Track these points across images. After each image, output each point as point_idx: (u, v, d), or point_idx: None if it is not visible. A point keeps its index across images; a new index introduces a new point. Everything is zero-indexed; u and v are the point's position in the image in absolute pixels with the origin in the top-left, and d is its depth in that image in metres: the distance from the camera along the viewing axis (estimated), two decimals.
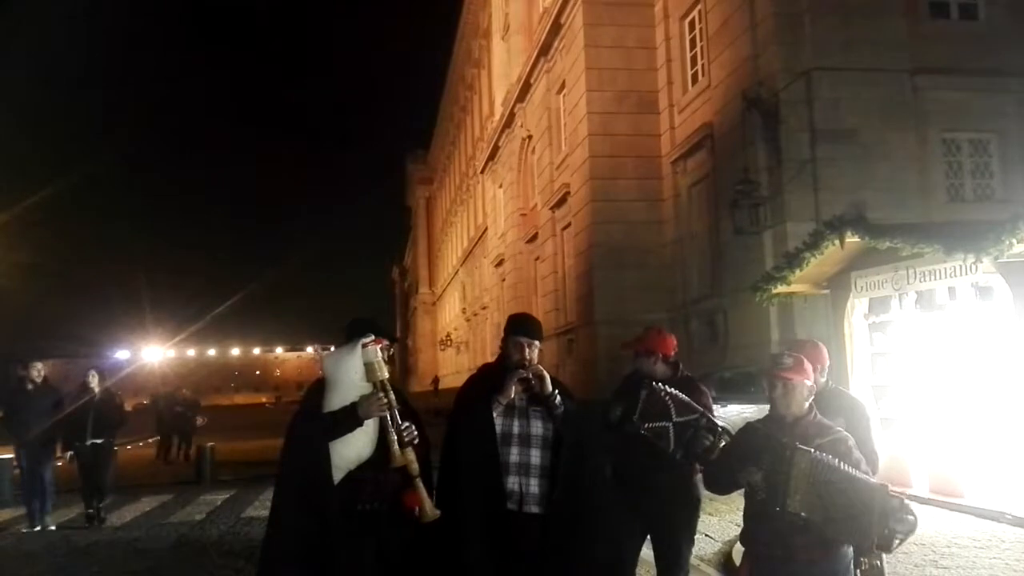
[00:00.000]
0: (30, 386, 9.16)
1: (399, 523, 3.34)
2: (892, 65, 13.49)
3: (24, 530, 8.85)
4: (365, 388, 3.32)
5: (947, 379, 7.66)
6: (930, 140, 13.88)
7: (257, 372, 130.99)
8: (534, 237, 25.37)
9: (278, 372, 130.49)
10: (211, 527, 8.88)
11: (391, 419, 3.29)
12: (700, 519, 4.44)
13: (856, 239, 7.87)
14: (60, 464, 9.54)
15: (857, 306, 8.63)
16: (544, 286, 23.71)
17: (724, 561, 6.11)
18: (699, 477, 3.90)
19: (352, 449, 3.30)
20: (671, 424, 3.69)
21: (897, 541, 2.81)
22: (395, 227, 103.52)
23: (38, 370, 9.28)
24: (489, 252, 34.85)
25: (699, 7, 16.90)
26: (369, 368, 3.32)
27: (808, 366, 3.16)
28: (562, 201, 21.28)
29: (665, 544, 4.16)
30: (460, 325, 49.68)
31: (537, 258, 25.13)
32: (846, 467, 2.87)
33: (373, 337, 3.38)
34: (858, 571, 3.16)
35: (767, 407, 3.20)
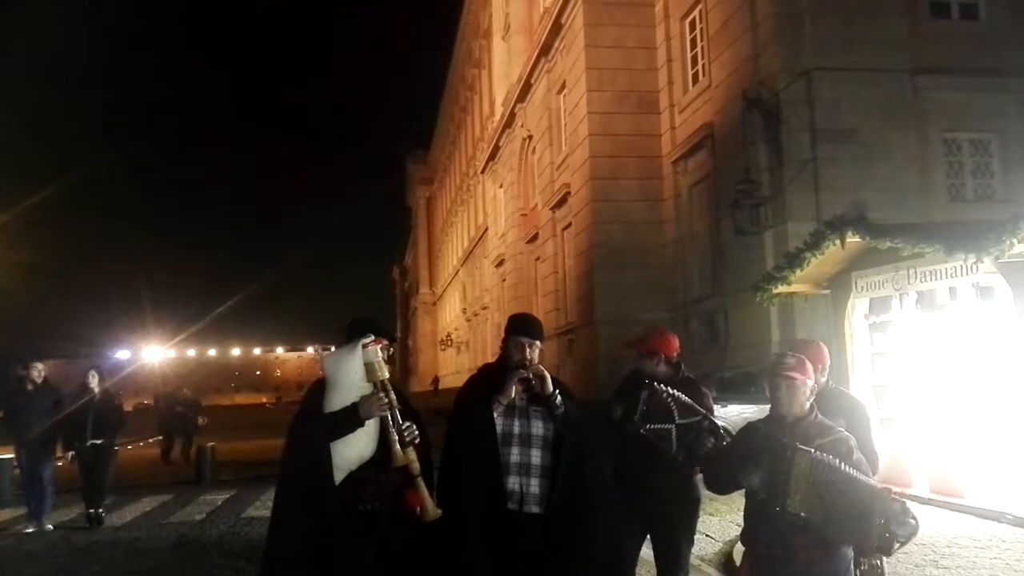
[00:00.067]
0: (30, 386, 9.17)
1: (400, 523, 3.34)
2: (893, 65, 13.49)
3: (25, 530, 8.84)
4: (366, 388, 3.32)
5: (948, 379, 7.66)
6: (931, 140, 13.88)
7: (257, 372, 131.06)
8: (534, 237, 25.37)
9: (278, 372, 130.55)
10: (211, 527, 8.88)
11: (392, 419, 3.30)
12: (700, 519, 4.44)
13: (857, 239, 7.87)
14: (60, 464, 9.54)
15: (858, 306, 8.63)
16: (544, 286, 23.71)
17: (724, 561, 6.11)
18: (699, 477, 3.90)
19: (353, 449, 3.30)
20: (674, 426, 3.69)
21: (898, 545, 2.81)
22: (395, 227, 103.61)
23: (38, 371, 9.28)
24: (489, 252, 34.86)
25: (700, 7, 16.90)
26: (369, 368, 3.32)
27: (809, 366, 3.16)
28: (563, 201, 21.28)
29: (665, 544, 4.16)
30: (460, 325, 49.69)
31: (537, 258, 25.13)
32: (847, 468, 2.87)
33: (373, 337, 3.38)
34: (858, 571, 3.16)
35: (768, 407, 3.20)
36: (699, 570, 5.85)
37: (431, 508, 3.27)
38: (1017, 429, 6.94)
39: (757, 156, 13.77)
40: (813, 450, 2.91)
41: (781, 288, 9.17)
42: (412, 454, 3.28)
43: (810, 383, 3.12)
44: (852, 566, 3.11)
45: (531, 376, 3.49)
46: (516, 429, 3.51)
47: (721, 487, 3.33)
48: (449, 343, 52.35)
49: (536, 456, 3.50)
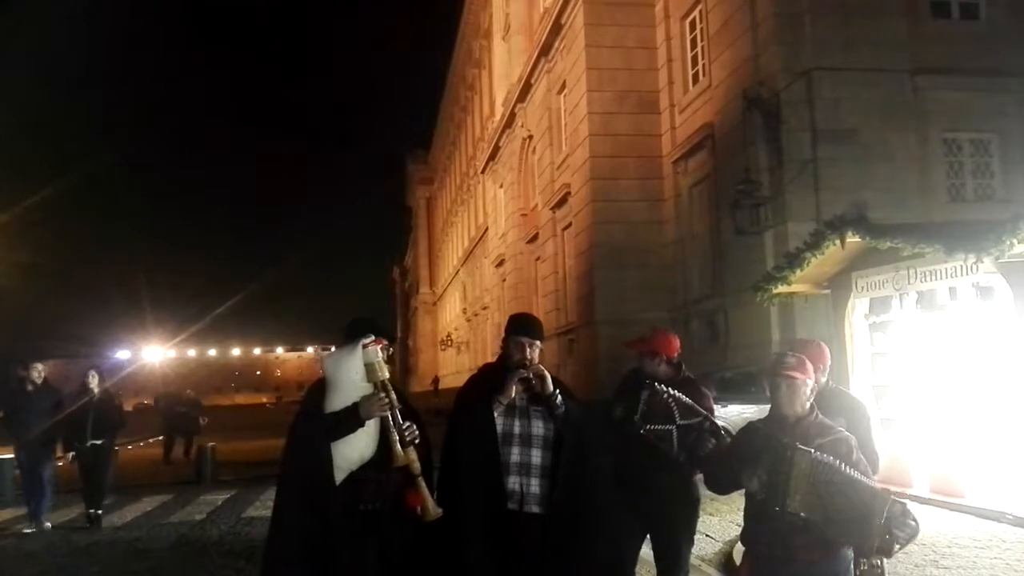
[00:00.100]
0: (30, 387, 9.17)
1: (401, 523, 3.34)
2: (893, 65, 13.50)
3: (25, 530, 8.85)
4: (366, 388, 3.32)
5: (948, 379, 7.66)
6: (931, 140, 13.89)
7: (258, 372, 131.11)
8: (535, 237, 25.37)
9: (279, 372, 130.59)
10: (211, 527, 8.88)
11: (392, 419, 3.30)
12: (700, 519, 4.44)
13: (857, 239, 7.87)
14: (60, 464, 9.55)
15: (858, 306, 8.63)
16: (545, 286, 23.71)
17: (725, 561, 6.12)
18: (699, 477, 3.90)
19: (354, 449, 3.30)
20: (674, 427, 3.69)
21: (898, 546, 2.81)
22: (395, 227, 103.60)
23: (39, 371, 9.28)
24: (490, 252, 34.87)
25: (700, 7, 16.90)
26: (370, 368, 3.32)
27: (810, 365, 3.16)
28: (563, 201, 21.28)
29: (665, 544, 4.16)
30: (461, 325, 49.69)
31: (538, 258, 25.14)
32: (847, 468, 2.86)
33: (373, 337, 3.38)
34: (858, 572, 3.15)
35: (768, 407, 3.20)
36: (699, 570, 5.86)
37: (432, 508, 3.27)
38: (1017, 429, 6.94)
39: (757, 156, 13.77)
40: (813, 450, 2.91)
41: (781, 288, 9.18)
42: (413, 454, 3.29)
43: (810, 383, 3.12)
44: (852, 566, 3.11)
45: (531, 376, 3.49)
46: (516, 429, 3.51)
47: (721, 487, 3.32)
48: (449, 343, 52.35)
49: (536, 456, 3.50)
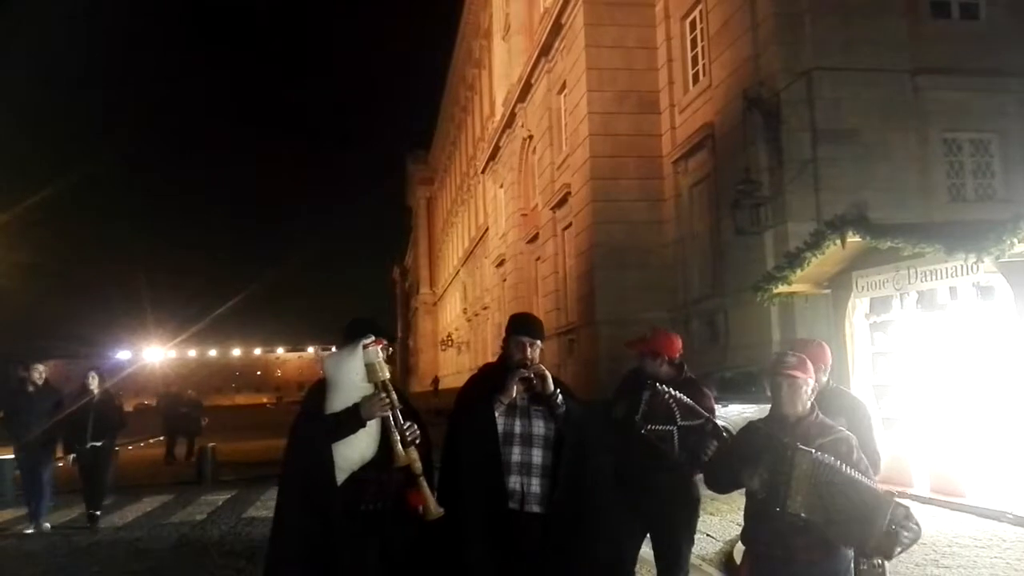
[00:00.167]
0: (31, 388, 9.16)
1: (402, 523, 3.35)
2: (893, 65, 13.50)
3: (25, 531, 8.85)
4: (367, 389, 3.32)
5: (948, 379, 7.66)
6: (931, 140, 13.88)
7: (258, 372, 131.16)
8: (535, 237, 25.37)
9: (279, 372, 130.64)
10: (212, 527, 8.88)
11: (393, 419, 3.30)
12: (701, 519, 4.44)
13: (857, 239, 7.88)
14: (61, 465, 9.55)
15: (858, 306, 8.63)
16: (545, 286, 23.72)
17: (725, 560, 6.12)
18: (699, 477, 3.90)
19: (355, 450, 3.30)
20: (675, 428, 3.68)
21: (899, 549, 2.81)
22: (395, 227, 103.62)
23: (39, 372, 9.27)
24: (490, 252, 34.87)
25: (700, 7, 16.90)
26: (370, 369, 3.32)
27: (810, 365, 3.16)
28: (563, 201, 21.28)
29: (665, 544, 4.16)
30: (461, 325, 49.69)
31: (538, 258, 25.14)
32: (848, 469, 2.86)
33: (373, 338, 3.38)
34: (859, 572, 3.15)
35: (768, 407, 3.20)
36: (699, 570, 5.86)
37: (433, 507, 3.28)
38: (1017, 429, 6.94)
39: (757, 156, 13.77)
40: (814, 451, 2.91)
41: (781, 288, 9.18)
42: (414, 453, 3.29)
43: (811, 382, 3.12)
44: (852, 566, 3.11)
45: (532, 375, 3.49)
46: (517, 428, 3.51)
47: (722, 486, 3.33)
48: (450, 343, 52.35)
49: (537, 455, 3.50)
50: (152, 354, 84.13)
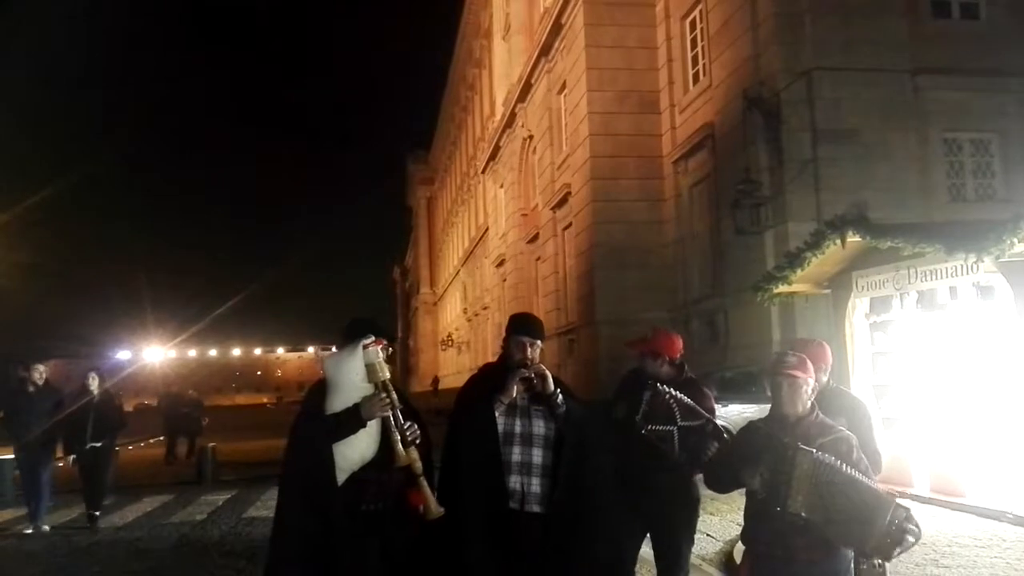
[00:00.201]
0: (31, 388, 9.16)
1: (403, 523, 3.35)
2: (893, 65, 13.50)
3: (25, 531, 8.85)
4: (367, 389, 3.32)
5: (948, 379, 7.66)
6: (931, 140, 13.88)
7: (258, 372, 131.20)
8: (535, 237, 25.38)
9: (279, 372, 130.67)
10: (212, 527, 8.89)
11: (394, 419, 3.30)
12: (701, 518, 4.44)
13: (857, 239, 7.88)
14: (61, 466, 9.55)
15: (858, 306, 8.63)
16: (545, 286, 23.72)
17: (725, 560, 6.12)
18: (699, 477, 3.90)
19: (355, 450, 3.30)
20: (675, 428, 3.68)
21: (898, 550, 2.81)
22: (395, 227, 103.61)
23: (40, 372, 9.27)
24: (490, 252, 34.87)
25: (700, 7, 16.90)
26: (371, 369, 3.32)
27: (811, 365, 3.16)
28: (563, 201, 21.29)
29: (665, 544, 4.16)
30: (461, 325, 49.68)
31: (538, 258, 25.14)
32: (848, 469, 2.86)
33: (374, 338, 3.38)
34: (859, 572, 3.15)
35: (768, 406, 3.20)
36: (699, 570, 5.86)
37: (434, 506, 3.28)
38: (1017, 429, 6.94)
39: (757, 156, 13.77)
40: (815, 451, 2.91)
41: (782, 288, 9.18)
42: (415, 453, 3.29)
43: (811, 382, 3.12)
44: (852, 566, 3.11)
45: (532, 375, 3.49)
46: (517, 428, 3.51)
47: (722, 486, 3.33)
48: (450, 343, 52.35)
49: (537, 455, 3.50)
50: (152, 354, 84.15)
